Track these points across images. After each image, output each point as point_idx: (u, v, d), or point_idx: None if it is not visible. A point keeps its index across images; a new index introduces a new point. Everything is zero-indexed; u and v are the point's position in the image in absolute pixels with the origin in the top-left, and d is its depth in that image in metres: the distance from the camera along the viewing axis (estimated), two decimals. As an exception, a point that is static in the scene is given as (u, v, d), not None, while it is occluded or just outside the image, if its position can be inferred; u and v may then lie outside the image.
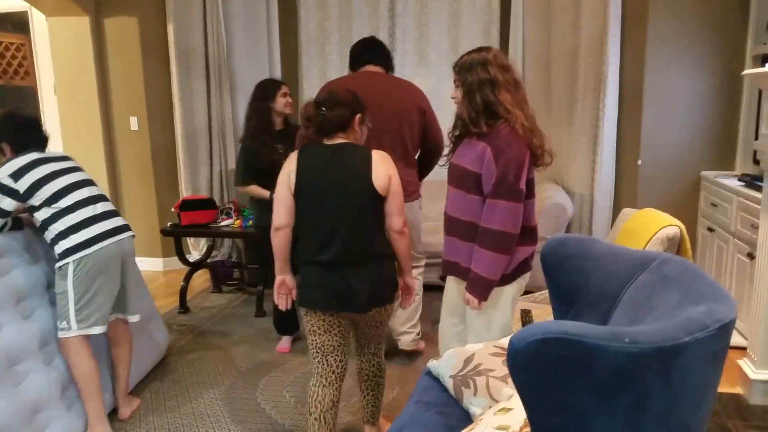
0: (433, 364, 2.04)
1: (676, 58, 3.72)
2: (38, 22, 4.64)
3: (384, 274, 2.11)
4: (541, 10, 4.19)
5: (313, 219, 2.04)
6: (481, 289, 2.04)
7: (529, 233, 2.09)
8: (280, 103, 3.16)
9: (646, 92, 3.78)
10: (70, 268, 2.33)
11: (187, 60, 4.61)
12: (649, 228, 2.44)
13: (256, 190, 3.18)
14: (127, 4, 4.51)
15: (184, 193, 4.79)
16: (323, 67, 4.83)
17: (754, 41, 3.55)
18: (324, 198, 2.01)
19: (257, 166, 3.12)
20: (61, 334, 2.37)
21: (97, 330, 2.40)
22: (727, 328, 1.28)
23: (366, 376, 2.33)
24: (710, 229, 3.59)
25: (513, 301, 2.16)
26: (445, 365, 1.98)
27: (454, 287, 2.28)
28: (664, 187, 3.90)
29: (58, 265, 2.35)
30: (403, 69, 4.66)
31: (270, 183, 3.08)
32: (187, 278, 4.10)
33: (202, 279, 4.65)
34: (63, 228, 2.33)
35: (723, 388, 2.82)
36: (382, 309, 2.15)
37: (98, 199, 2.47)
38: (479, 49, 2.11)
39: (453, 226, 2.16)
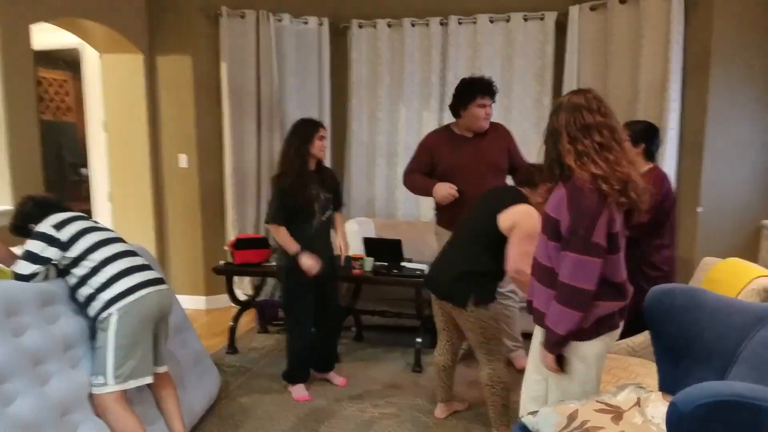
0: (530, 420, 1.94)
1: (739, 108, 3.68)
2: (89, 58, 4.74)
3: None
4: (598, 56, 4.20)
5: None
6: (549, 343, 1.92)
7: (614, 288, 1.92)
8: (317, 146, 3.10)
9: (707, 141, 3.73)
10: (113, 318, 2.27)
11: (239, 100, 4.66)
12: (740, 278, 2.35)
13: (285, 236, 3.08)
14: (181, 43, 4.60)
15: (231, 231, 4.77)
16: (373, 109, 4.85)
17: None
18: None
19: (291, 206, 3.06)
20: (95, 390, 2.27)
21: (133, 383, 2.32)
22: None
23: (480, 381, 2.72)
24: (781, 280, 3.47)
25: (596, 359, 1.97)
26: (545, 422, 1.88)
27: (539, 335, 2.18)
28: (725, 236, 3.81)
29: (100, 317, 2.29)
30: (453, 112, 4.68)
31: (303, 225, 3.09)
32: (236, 318, 4.04)
33: (246, 319, 4.58)
34: (104, 280, 2.30)
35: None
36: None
37: (133, 253, 2.46)
38: (574, 92, 2.04)
39: (537, 270, 2.08)
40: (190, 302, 4.81)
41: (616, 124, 1.94)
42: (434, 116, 4.71)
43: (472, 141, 3.33)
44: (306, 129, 3.13)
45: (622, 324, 1.97)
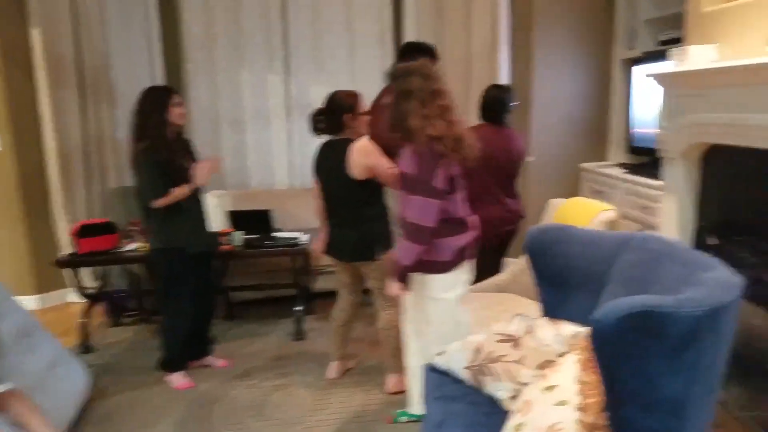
0: (441, 359, 2.11)
1: (558, 64, 4.20)
2: None
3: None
4: (433, 19, 4.43)
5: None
6: (397, 273, 2.29)
7: (456, 223, 2.33)
8: (176, 113, 2.88)
9: (534, 96, 4.21)
10: None
11: (57, 70, 4.09)
12: (586, 214, 2.74)
13: (179, 191, 2.86)
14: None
15: (60, 219, 4.25)
16: (211, 73, 4.58)
17: (621, 47, 4.14)
18: None
19: (173, 176, 2.85)
20: None
21: None
22: (740, 290, 1.53)
23: (378, 327, 2.88)
24: (597, 213, 4.10)
25: (454, 285, 2.39)
26: (455, 358, 2.06)
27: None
28: (552, 180, 4.37)
29: None
30: (300, 75, 4.63)
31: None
32: (86, 313, 3.65)
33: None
34: None
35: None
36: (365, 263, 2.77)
37: None
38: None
39: (403, 227, 2.32)
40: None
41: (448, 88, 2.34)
42: (280, 78, 4.62)
43: None
44: (160, 96, 2.88)
45: (469, 261, 2.41)
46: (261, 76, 4.63)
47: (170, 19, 4.53)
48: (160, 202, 2.82)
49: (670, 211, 3.02)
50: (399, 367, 2.84)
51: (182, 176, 2.87)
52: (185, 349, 3.13)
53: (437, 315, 2.42)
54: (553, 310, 2.16)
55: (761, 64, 2.18)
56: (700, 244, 2.92)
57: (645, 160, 3.77)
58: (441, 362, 2.11)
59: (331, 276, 4.11)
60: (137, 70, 4.41)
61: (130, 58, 4.40)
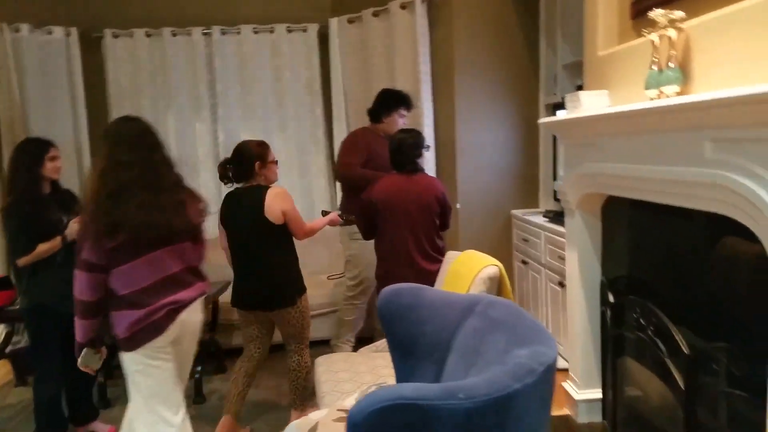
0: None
1: (482, 111, 4.09)
2: None
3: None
4: (360, 66, 4.38)
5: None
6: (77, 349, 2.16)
7: (126, 301, 2.09)
8: (49, 168, 2.78)
9: (458, 144, 4.10)
10: None
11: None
12: (472, 269, 2.58)
13: (44, 246, 2.71)
14: None
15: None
16: (138, 123, 4.50)
17: (545, 93, 4.05)
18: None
19: (34, 235, 2.71)
20: None
21: None
22: (551, 369, 1.36)
23: (288, 368, 2.93)
24: (524, 262, 3.93)
25: (137, 364, 2.12)
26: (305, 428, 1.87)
27: None
28: (481, 228, 4.22)
29: None
30: (229, 123, 4.55)
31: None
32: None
33: (1, 371, 3.97)
34: None
35: (554, 412, 3.03)
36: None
37: None
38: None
39: None
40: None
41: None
42: (208, 127, 4.55)
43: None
44: (34, 149, 2.78)
45: (160, 336, 2.11)
46: (188, 124, 4.55)
47: (95, 69, 4.49)
48: (23, 260, 2.68)
49: (572, 264, 2.85)
50: (305, 403, 2.95)
51: (52, 231, 2.72)
52: (60, 416, 2.91)
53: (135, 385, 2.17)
54: (405, 380, 1.98)
55: (632, 110, 2.05)
56: (604, 300, 2.74)
57: (568, 207, 3.62)
58: (281, 438, 1.92)
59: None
60: (60, 120, 4.34)
61: (51, 108, 4.34)
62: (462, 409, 1.19)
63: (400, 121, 3.61)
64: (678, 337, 1.98)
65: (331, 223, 3.14)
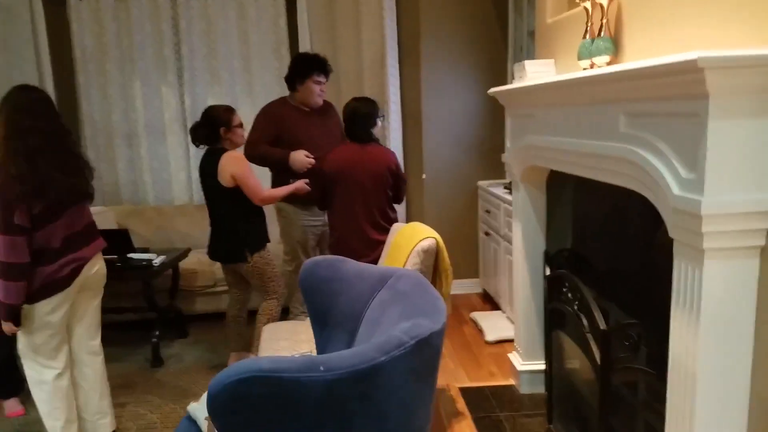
0: (192, 407, 1.94)
1: (449, 79, 4.03)
2: None
3: None
4: (327, 31, 4.28)
5: None
6: (3, 312, 2.19)
7: (44, 255, 2.21)
8: None
9: (424, 113, 4.04)
10: None
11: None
12: (411, 241, 2.56)
13: None
14: None
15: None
16: (104, 84, 4.45)
17: (513, 61, 3.97)
18: None
19: None
20: None
21: None
22: (426, 342, 1.35)
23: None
24: (487, 233, 3.92)
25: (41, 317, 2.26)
26: (202, 407, 1.89)
27: None
28: (448, 198, 4.19)
29: None
30: (195, 87, 4.48)
31: None
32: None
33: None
34: None
35: (499, 381, 3.06)
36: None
37: None
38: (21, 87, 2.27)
39: None
40: None
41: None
42: (174, 91, 4.48)
43: (314, 115, 3.38)
44: None
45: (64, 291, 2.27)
46: (155, 89, 4.48)
47: (60, 30, 4.41)
48: None
49: (517, 237, 2.84)
50: (242, 348, 3.27)
51: None
52: (14, 372, 2.95)
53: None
54: (323, 348, 1.99)
55: (561, 81, 2.00)
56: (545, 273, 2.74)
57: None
58: (191, 410, 1.94)
59: (214, 297, 3.98)
60: (25, 82, 4.27)
61: (15, 70, 4.28)
62: (323, 381, 1.19)
63: (317, 88, 3.29)
64: (597, 313, 1.98)
65: (297, 191, 3.12)
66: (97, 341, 2.54)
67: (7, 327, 2.22)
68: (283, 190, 3.08)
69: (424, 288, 1.67)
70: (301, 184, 3.12)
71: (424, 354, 1.35)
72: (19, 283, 2.14)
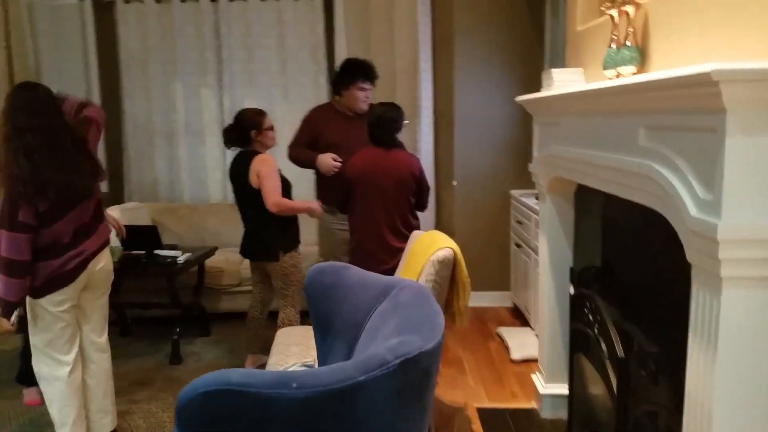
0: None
1: (482, 84, 3.92)
2: None
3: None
4: (362, 35, 4.27)
5: None
6: (2, 308, 2.20)
7: (53, 249, 2.24)
8: None
9: (456, 117, 3.95)
10: None
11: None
12: (428, 250, 2.48)
13: None
14: None
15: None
16: (146, 86, 4.57)
17: (550, 66, 3.83)
18: None
19: None
20: None
21: None
22: (413, 362, 1.27)
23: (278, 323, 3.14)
24: (518, 245, 3.79)
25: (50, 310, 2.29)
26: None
27: None
28: (479, 206, 4.08)
29: None
30: (234, 90, 4.55)
31: None
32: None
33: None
34: None
35: (520, 404, 2.92)
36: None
37: None
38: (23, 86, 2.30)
39: None
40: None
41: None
42: (214, 93, 4.57)
43: (355, 120, 3.31)
44: None
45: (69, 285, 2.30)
46: (195, 90, 4.58)
47: (107, 33, 4.56)
48: None
49: (542, 250, 2.72)
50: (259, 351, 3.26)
51: None
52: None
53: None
54: (323, 358, 1.95)
55: (579, 92, 1.89)
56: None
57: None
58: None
59: (239, 296, 4.00)
60: (72, 85, 4.44)
61: (65, 71, 4.45)
62: (295, 399, 1.14)
63: (361, 94, 3.27)
64: (615, 338, 1.85)
65: (310, 212, 3.10)
66: (104, 338, 2.56)
67: (2, 322, 2.26)
68: (297, 204, 3.07)
69: (424, 301, 1.60)
70: (314, 205, 3.10)
71: (410, 375, 1.27)
72: (20, 281, 2.17)
